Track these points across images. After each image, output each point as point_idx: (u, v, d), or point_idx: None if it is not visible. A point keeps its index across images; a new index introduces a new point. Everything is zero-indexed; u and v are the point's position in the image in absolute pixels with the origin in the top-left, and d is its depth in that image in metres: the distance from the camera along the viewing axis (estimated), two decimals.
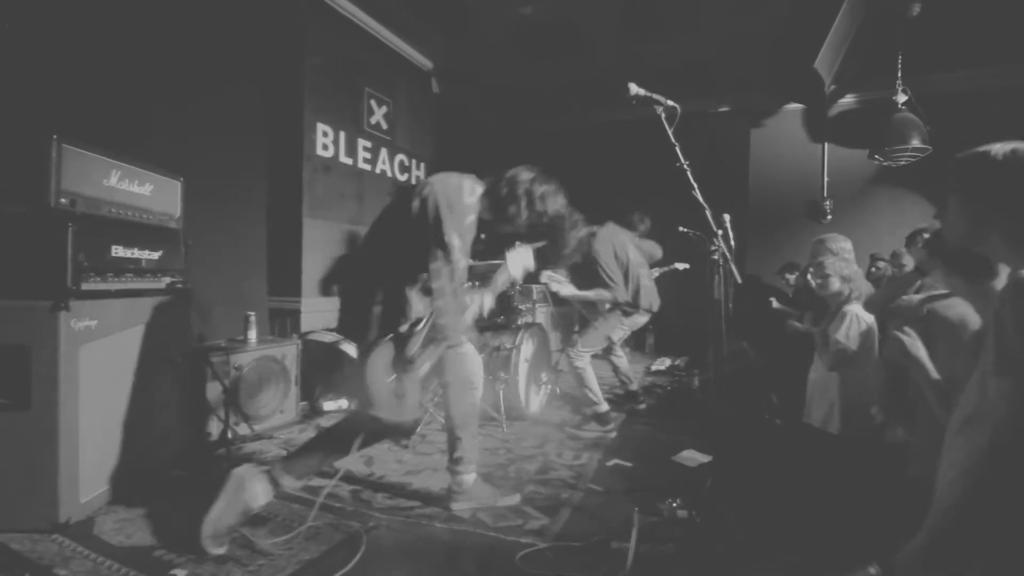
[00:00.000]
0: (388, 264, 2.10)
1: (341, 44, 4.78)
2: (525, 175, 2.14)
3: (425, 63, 6.02)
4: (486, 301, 2.26)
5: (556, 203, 2.16)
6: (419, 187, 2.07)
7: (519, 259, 2.32)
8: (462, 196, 2.06)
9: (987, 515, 1.04)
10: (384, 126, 5.38)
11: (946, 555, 1.08)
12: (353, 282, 2.35)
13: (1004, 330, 1.06)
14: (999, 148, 1.19)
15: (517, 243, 2.33)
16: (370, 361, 1.95)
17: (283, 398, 3.40)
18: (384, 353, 1.97)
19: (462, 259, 2.01)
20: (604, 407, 3.55)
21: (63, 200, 2.07)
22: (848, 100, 6.25)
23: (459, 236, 1.99)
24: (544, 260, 2.46)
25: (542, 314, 5.94)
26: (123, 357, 2.37)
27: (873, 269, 4.75)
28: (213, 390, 2.96)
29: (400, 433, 2.19)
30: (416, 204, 2.02)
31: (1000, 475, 1.03)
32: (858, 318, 2.62)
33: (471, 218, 2.11)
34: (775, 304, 4.49)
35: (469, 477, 2.34)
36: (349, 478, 2.65)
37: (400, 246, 2.06)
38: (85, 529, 2.07)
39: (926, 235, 3.54)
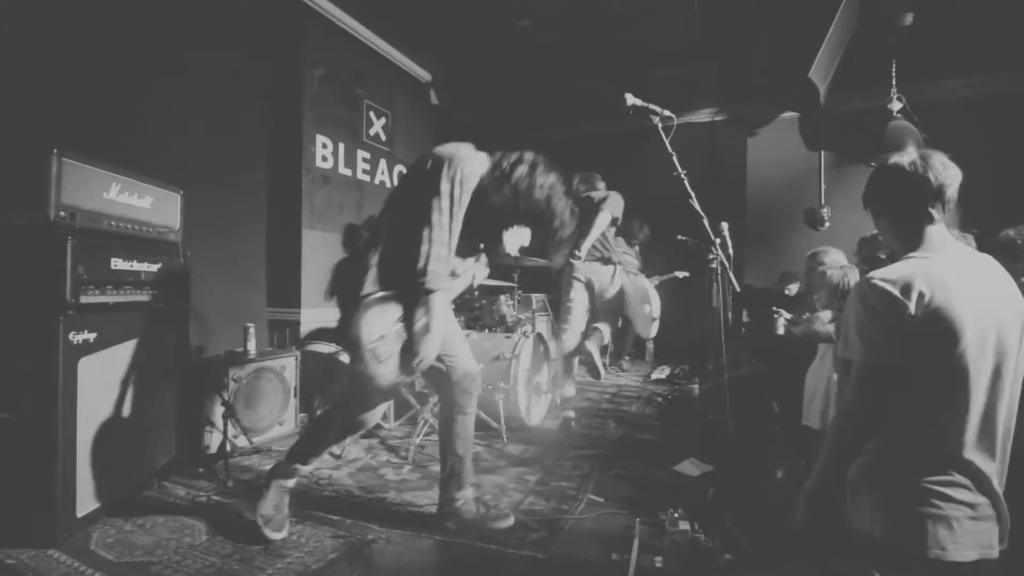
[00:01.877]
0: (394, 223, 2.12)
1: (341, 56, 4.82)
2: (531, 160, 2.13)
3: (424, 75, 6.07)
4: (478, 272, 2.31)
5: (558, 198, 2.13)
6: (432, 151, 2.12)
7: (516, 238, 2.35)
8: (466, 159, 2.07)
9: (845, 462, 1.36)
10: (383, 137, 5.40)
11: (826, 486, 1.36)
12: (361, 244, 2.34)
13: (845, 323, 1.35)
14: (892, 158, 1.42)
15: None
16: (361, 316, 1.96)
17: (282, 410, 3.39)
18: (376, 311, 1.97)
19: (454, 209, 2.02)
20: None
21: (63, 213, 2.07)
22: (843, 108, 6.29)
23: (453, 184, 2.00)
24: (533, 251, 2.47)
25: (541, 324, 5.94)
26: (122, 370, 2.37)
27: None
28: (212, 402, 2.95)
29: (375, 399, 2.16)
30: (426, 162, 2.08)
31: (846, 425, 1.34)
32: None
33: (471, 184, 2.08)
34: (783, 320, 4.44)
35: (461, 497, 2.30)
36: (349, 491, 2.63)
37: (406, 203, 2.08)
38: (82, 544, 2.05)
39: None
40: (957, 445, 1.25)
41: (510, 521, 2.30)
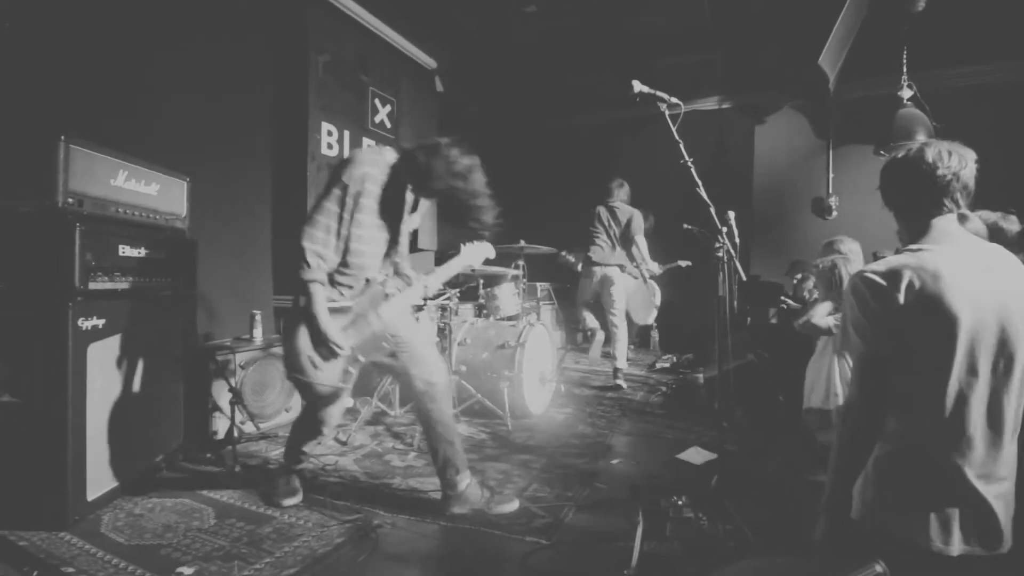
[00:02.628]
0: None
1: (346, 43, 4.78)
2: (445, 147, 2.14)
3: (429, 62, 6.02)
4: (431, 283, 2.38)
5: (476, 179, 2.15)
6: None
7: (478, 251, 2.52)
8: (358, 162, 2.12)
9: (856, 459, 1.35)
10: (388, 125, 5.38)
11: (843, 493, 1.35)
12: None
13: (843, 319, 1.38)
14: (906, 148, 1.41)
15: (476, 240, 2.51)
16: (292, 328, 2.08)
17: (288, 397, 3.41)
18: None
19: (343, 209, 2.08)
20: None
21: (70, 200, 2.08)
22: (853, 96, 6.22)
23: (339, 183, 2.07)
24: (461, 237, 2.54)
25: (546, 313, 5.95)
26: (130, 356, 2.38)
27: None
28: (219, 388, 2.97)
29: (324, 402, 2.20)
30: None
31: (850, 422, 1.35)
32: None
33: (365, 186, 2.10)
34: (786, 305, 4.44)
35: (463, 481, 2.30)
36: (355, 478, 2.66)
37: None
38: (92, 527, 2.08)
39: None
40: (960, 436, 1.24)
41: (515, 505, 2.33)
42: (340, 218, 2.07)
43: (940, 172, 1.32)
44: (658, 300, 4.61)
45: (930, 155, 1.33)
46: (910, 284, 1.24)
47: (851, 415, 1.35)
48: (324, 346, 2.05)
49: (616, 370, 4.73)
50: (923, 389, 1.26)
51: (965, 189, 1.34)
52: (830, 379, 2.67)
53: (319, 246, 2.04)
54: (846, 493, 1.35)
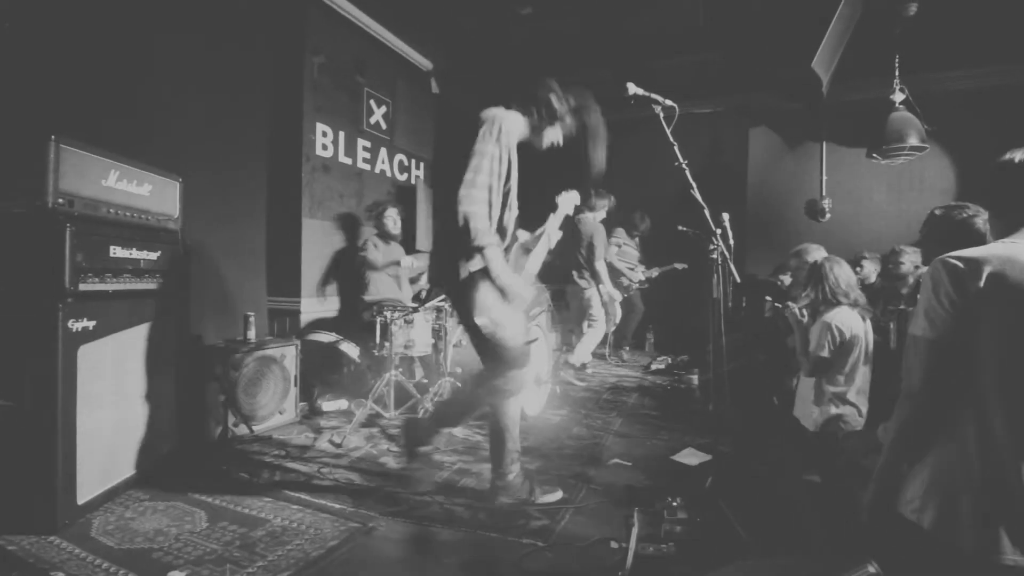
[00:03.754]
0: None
1: (341, 44, 4.78)
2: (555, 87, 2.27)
3: (425, 63, 6.02)
4: (549, 235, 2.56)
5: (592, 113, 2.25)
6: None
7: (569, 200, 2.69)
8: (501, 118, 2.17)
9: (909, 448, 1.32)
10: (383, 126, 5.37)
11: (890, 483, 1.33)
12: None
13: (918, 304, 1.31)
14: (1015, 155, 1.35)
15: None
16: (471, 294, 2.11)
17: (282, 398, 3.40)
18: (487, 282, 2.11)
19: (495, 167, 2.11)
20: None
21: (61, 200, 2.06)
22: (846, 99, 6.26)
23: (489, 143, 2.10)
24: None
25: (542, 314, 5.93)
26: (121, 358, 2.37)
27: (857, 269, 4.62)
28: (212, 391, 2.95)
29: (518, 363, 2.27)
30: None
31: (909, 410, 1.30)
32: (833, 328, 2.62)
33: (510, 140, 2.16)
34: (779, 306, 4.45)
35: (513, 472, 2.34)
36: (350, 480, 2.64)
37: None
38: (83, 531, 2.06)
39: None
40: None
41: (558, 494, 2.39)
42: (499, 176, 2.10)
43: None
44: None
45: (1016, 158, 1.32)
46: (992, 273, 1.19)
47: (915, 402, 1.29)
48: (509, 303, 2.09)
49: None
50: (993, 382, 1.21)
51: None
52: (808, 395, 2.74)
53: (483, 207, 2.06)
54: (894, 483, 1.33)
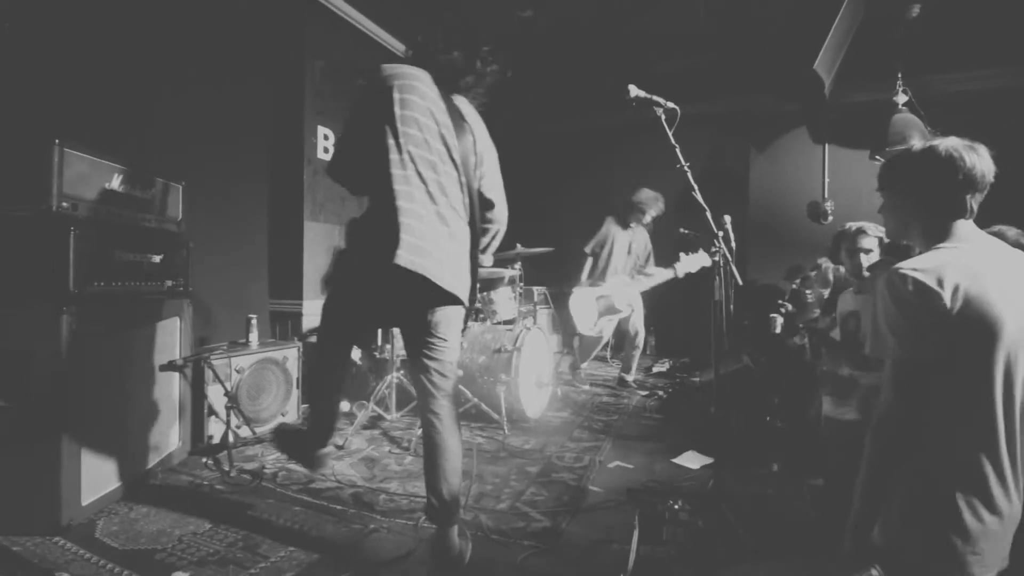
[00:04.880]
0: None
1: (342, 48, 4.79)
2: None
3: None
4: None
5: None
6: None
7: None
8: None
9: (885, 467, 1.23)
10: None
11: (871, 510, 1.25)
12: None
13: (875, 319, 1.25)
14: (918, 146, 1.33)
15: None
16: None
17: (284, 401, 3.40)
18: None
19: None
20: None
21: (65, 204, 2.08)
22: (848, 101, 6.25)
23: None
24: None
25: (543, 317, 5.95)
26: (125, 360, 2.38)
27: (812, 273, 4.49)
28: (214, 393, 2.96)
29: None
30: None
31: (883, 433, 1.22)
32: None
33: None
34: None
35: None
36: (351, 481, 2.65)
37: None
38: (87, 532, 2.07)
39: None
40: (994, 452, 1.16)
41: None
42: None
43: (977, 169, 1.24)
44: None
45: (953, 152, 1.25)
46: (956, 285, 1.14)
47: (885, 425, 1.22)
48: None
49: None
50: (959, 398, 1.18)
51: (984, 189, 1.27)
52: None
53: None
54: (874, 511, 1.25)
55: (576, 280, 4.91)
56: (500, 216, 2.06)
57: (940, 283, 1.15)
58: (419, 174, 1.79)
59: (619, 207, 5.05)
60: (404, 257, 1.70)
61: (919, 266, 1.19)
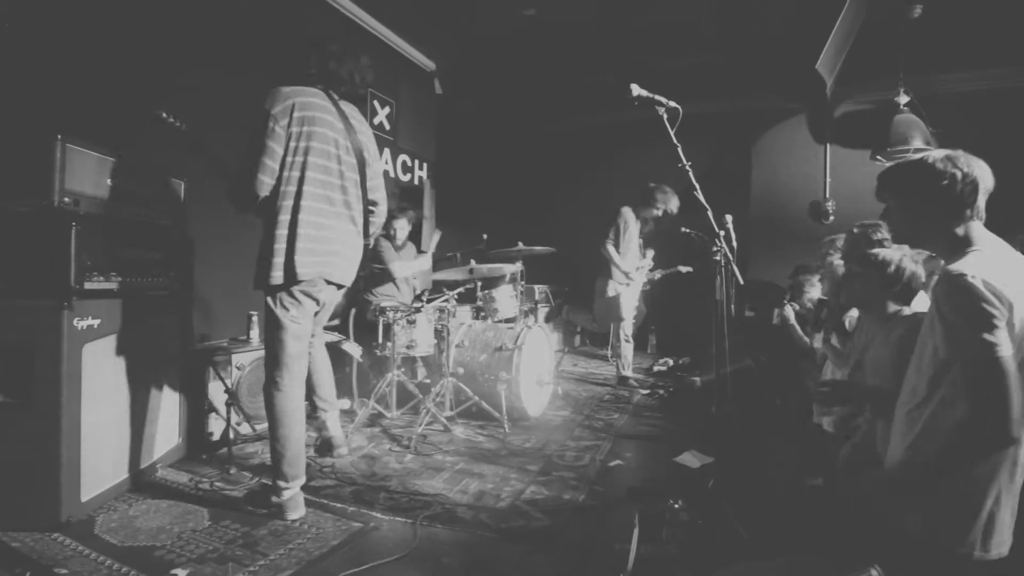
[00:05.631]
0: None
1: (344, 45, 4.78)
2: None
3: (428, 64, 6.03)
4: None
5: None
6: None
7: None
8: None
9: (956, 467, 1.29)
10: (387, 127, 5.38)
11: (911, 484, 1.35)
12: None
13: (945, 321, 1.27)
14: (935, 155, 1.38)
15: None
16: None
17: None
18: None
19: None
20: None
21: (67, 200, 2.07)
22: (850, 101, 6.24)
23: None
24: None
25: (544, 315, 5.95)
26: (126, 356, 2.37)
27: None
28: (215, 389, 2.96)
29: None
30: None
31: (973, 440, 1.25)
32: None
33: None
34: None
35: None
36: (352, 479, 2.65)
37: None
38: (86, 528, 2.07)
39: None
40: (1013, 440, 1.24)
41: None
42: None
43: (980, 179, 1.33)
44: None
45: (958, 161, 1.34)
46: (1005, 285, 1.23)
47: (973, 421, 1.24)
48: None
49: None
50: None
51: (987, 193, 1.35)
52: None
53: None
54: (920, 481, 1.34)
55: (609, 271, 4.86)
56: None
57: (1002, 283, 1.23)
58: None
59: (635, 196, 5.03)
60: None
61: (982, 269, 1.24)
